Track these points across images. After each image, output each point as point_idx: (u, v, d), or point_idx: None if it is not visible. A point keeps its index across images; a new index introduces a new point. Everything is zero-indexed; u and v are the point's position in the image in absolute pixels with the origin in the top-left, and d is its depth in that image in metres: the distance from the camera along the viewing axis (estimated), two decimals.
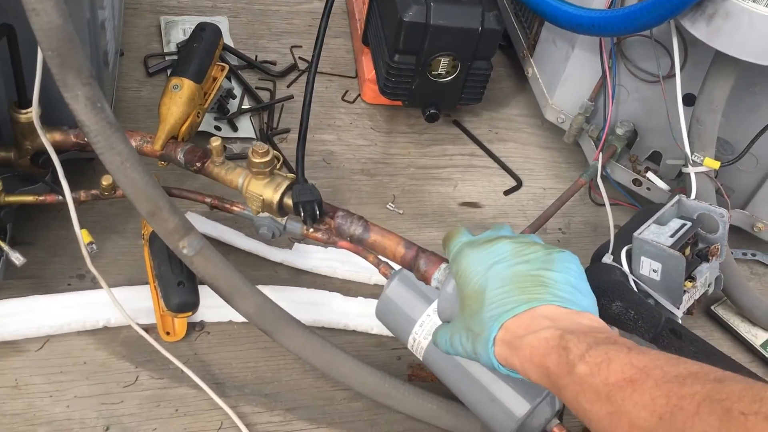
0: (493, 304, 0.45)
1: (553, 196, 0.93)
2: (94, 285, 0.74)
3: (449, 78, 0.88)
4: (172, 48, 1.01)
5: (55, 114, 0.66)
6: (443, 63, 0.87)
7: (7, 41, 0.63)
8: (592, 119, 0.89)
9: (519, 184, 0.96)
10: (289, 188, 0.68)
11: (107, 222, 0.80)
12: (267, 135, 0.94)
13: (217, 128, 0.92)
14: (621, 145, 0.85)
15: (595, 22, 0.75)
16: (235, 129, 0.93)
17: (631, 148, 0.89)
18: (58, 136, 0.71)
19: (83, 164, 0.81)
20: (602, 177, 0.84)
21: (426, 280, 0.58)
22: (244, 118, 0.95)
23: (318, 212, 0.65)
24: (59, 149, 0.67)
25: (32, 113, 0.67)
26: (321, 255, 0.80)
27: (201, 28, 0.79)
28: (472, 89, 0.91)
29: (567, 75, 0.88)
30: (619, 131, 0.85)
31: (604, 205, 0.79)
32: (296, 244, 0.81)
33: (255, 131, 0.94)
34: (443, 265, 0.58)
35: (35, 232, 0.77)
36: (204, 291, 0.68)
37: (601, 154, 0.84)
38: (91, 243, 0.67)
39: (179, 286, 0.67)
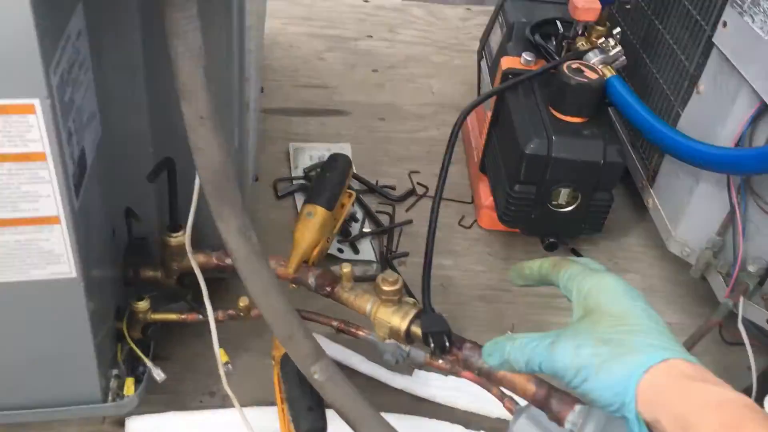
0: (642, 333, 0.42)
1: (680, 331, 0.90)
2: (224, 403, 0.77)
3: (569, 208, 0.89)
4: (300, 173, 1.07)
5: (200, 238, 0.71)
6: (564, 194, 0.88)
7: (167, 173, 0.69)
8: (721, 254, 0.87)
9: None
10: (416, 317, 0.69)
11: (237, 340, 0.83)
12: (387, 258, 0.96)
13: (340, 250, 0.96)
14: (753, 282, 0.82)
15: (724, 160, 0.75)
16: (356, 251, 0.96)
17: (763, 286, 0.85)
18: (201, 258, 0.75)
19: (217, 283, 0.86)
20: (733, 314, 0.80)
21: (559, 421, 0.57)
22: (365, 241, 0.98)
23: (447, 343, 0.65)
24: (201, 270, 0.72)
25: (182, 237, 0.73)
26: (442, 384, 0.79)
27: (334, 158, 0.84)
28: (592, 220, 0.91)
29: (692, 208, 0.87)
30: (751, 268, 0.82)
31: (736, 344, 0.76)
32: (416, 370, 0.81)
33: (375, 254, 0.97)
34: (578, 407, 0.56)
35: (171, 347, 0.81)
36: (329, 415, 0.69)
37: (732, 291, 0.82)
38: (227, 363, 0.70)
39: (309, 410, 0.68)
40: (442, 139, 1.19)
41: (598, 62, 0.87)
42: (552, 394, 0.59)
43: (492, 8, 1.61)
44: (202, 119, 0.55)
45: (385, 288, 0.68)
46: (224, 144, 0.57)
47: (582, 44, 0.90)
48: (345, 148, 1.13)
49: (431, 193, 1.07)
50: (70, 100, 0.52)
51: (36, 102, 0.47)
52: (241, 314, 0.76)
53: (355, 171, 1.10)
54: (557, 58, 0.91)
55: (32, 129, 0.48)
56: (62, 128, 0.50)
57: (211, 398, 0.78)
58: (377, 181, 1.08)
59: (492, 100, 0.96)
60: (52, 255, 0.56)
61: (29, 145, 0.49)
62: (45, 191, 0.52)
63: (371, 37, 1.43)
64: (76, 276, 0.58)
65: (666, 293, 0.97)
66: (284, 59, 1.33)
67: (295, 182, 1.05)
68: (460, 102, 1.27)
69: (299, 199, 1.03)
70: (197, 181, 0.65)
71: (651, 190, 0.98)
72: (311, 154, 1.11)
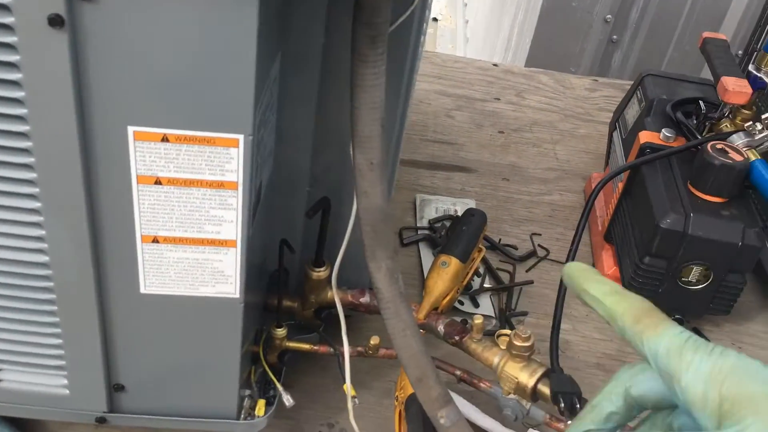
0: None
1: None
2: None
3: (700, 287, 0.88)
4: (425, 223, 1.11)
5: (338, 275, 0.75)
6: (695, 272, 0.87)
7: (321, 211, 0.74)
8: None
9: None
10: (544, 375, 0.70)
11: (357, 376, 0.85)
12: (505, 315, 0.98)
13: (460, 302, 0.98)
14: None
15: None
16: (476, 305, 0.98)
17: None
18: (339, 295, 0.80)
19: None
20: None
21: None
22: (484, 296, 1.00)
23: (578, 405, 0.66)
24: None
25: (324, 273, 0.77)
26: None
27: (470, 213, 0.88)
28: (721, 301, 0.90)
29: None
30: None
31: None
32: (531, 430, 0.82)
33: (494, 310, 0.98)
34: None
35: (295, 375, 0.85)
36: None
37: None
38: (354, 397, 0.73)
39: None
40: (564, 204, 1.20)
41: (742, 145, 0.87)
42: None
43: (617, 81, 1.63)
44: (372, 165, 0.60)
45: (518, 343, 0.70)
46: (386, 191, 0.61)
47: (726, 126, 0.90)
48: (470, 204, 1.16)
49: (552, 256, 1.08)
50: (262, 138, 0.58)
51: (241, 138, 0.52)
52: (369, 352, 0.79)
53: None
54: (699, 137, 0.92)
55: (232, 161, 0.54)
56: (254, 162, 0.56)
57: (329, 429, 0.81)
58: (500, 240, 1.10)
59: (625, 173, 0.97)
60: (223, 275, 0.61)
61: (226, 174, 0.54)
62: (230, 217, 0.57)
63: (498, 99, 1.47)
64: (238, 297, 0.63)
65: None
66: (415, 114, 1.39)
67: (420, 232, 1.09)
68: (584, 170, 1.28)
69: (423, 248, 1.07)
70: (351, 222, 0.69)
71: None
72: (437, 206, 1.15)
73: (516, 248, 1.09)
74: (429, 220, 1.11)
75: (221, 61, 0.49)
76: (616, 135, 1.11)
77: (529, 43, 2.00)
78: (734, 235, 0.84)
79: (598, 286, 0.38)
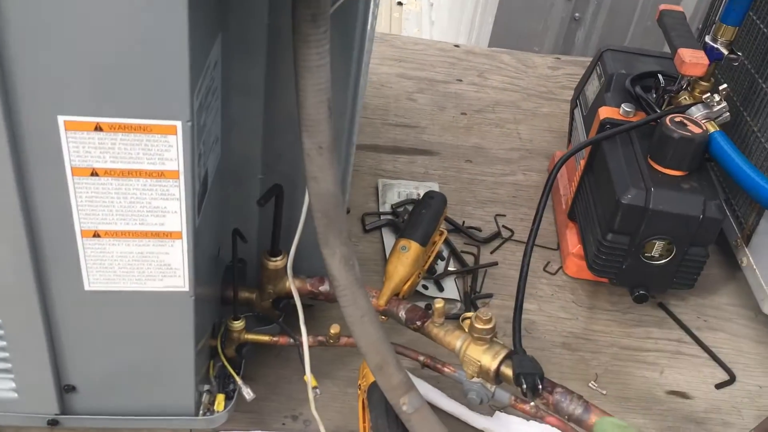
0: None
1: None
2: (306, 427, 0.78)
3: (663, 261, 0.88)
4: (387, 208, 1.09)
5: (295, 265, 0.73)
6: (658, 246, 0.87)
7: (274, 198, 0.72)
8: None
9: (732, 379, 0.90)
10: (507, 357, 0.69)
11: (321, 366, 0.84)
12: (471, 298, 0.97)
13: (425, 287, 0.97)
14: None
15: None
16: (441, 289, 0.97)
17: None
18: (297, 284, 0.78)
19: (305, 309, 0.87)
20: None
21: None
22: (449, 280, 0.99)
23: (540, 386, 0.65)
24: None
25: (282, 262, 0.75)
26: (523, 428, 0.79)
27: (430, 196, 0.86)
28: (685, 274, 0.89)
29: None
30: None
31: None
32: (498, 412, 0.81)
33: (459, 293, 0.97)
34: None
35: (256, 368, 0.83)
36: None
37: None
38: (315, 387, 0.71)
39: None
40: (528, 184, 1.20)
41: (701, 117, 0.87)
42: None
43: (581, 59, 1.62)
44: (320, 149, 0.58)
45: (479, 326, 0.69)
46: (338, 175, 0.59)
47: (685, 98, 0.90)
48: (433, 187, 1.15)
49: (516, 236, 1.07)
50: (204, 124, 0.56)
51: (179, 124, 0.50)
52: (331, 341, 0.77)
53: None
54: (658, 111, 0.91)
55: (171, 149, 0.51)
56: (195, 150, 0.53)
57: (293, 421, 0.79)
58: (463, 222, 1.09)
59: (586, 149, 0.96)
60: (170, 268, 0.59)
61: (166, 163, 0.52)
62: (173, 207, 0.55)
63: (461, 81, 1.45)
64: (188, 290, 0.61)
65: (758, 355, 0.94)
66: (375, 98, 1.37)
67: (382, 217, 1.07)
68: (547, 148, 1.27)
69: (386, 233, 1.05)
70: (304, 209, 0.67)
71: (746, 249, 0.95)
72: (399, 190, 1.13)
73: (480, 230, 1.08)
74: (391, 205, 1.09)
75: (152, 45, 0.47)
76: (577, 112, 1.10)
77: (492, 24, 1.99)
78: (695, 209, 0.83)
79: None
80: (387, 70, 1.45)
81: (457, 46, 1.58)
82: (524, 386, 0.65)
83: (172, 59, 0.47)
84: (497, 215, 1.11)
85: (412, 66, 1.47)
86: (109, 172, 0.52)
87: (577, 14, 2.01)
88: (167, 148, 0.51)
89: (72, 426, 0.69)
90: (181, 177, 0.53)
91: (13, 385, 0.65)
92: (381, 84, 1.41)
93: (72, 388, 0.66)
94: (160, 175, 0.53)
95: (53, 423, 0.68)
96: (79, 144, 0.51)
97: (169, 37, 0.46)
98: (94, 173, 0.52)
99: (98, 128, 0.50)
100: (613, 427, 0.34)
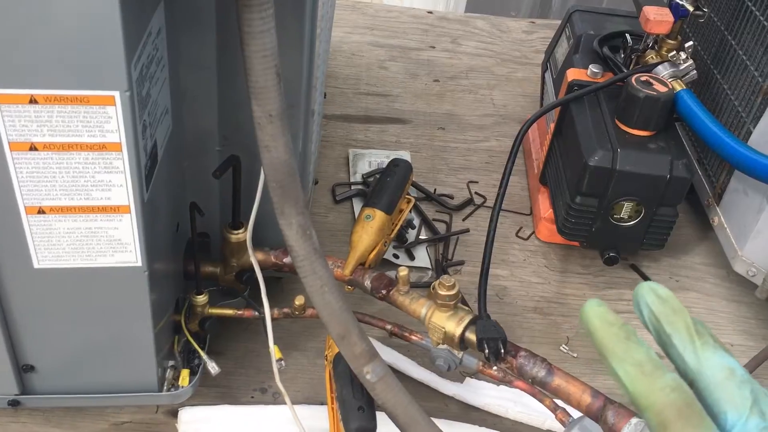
0: None
1: (741, 353, 0.87)
2: (275, 400, 0.77)
3: (632, 222, 0.87)
4: (358, 178, 1.08)
5: (260, 237, 0.72)
6: (627, 208, 0.86)
7: (232, 170, 0.70)
8: None
9: None
10: (472, 323, 0.69)
11: (289, 339, 0.84)
12: (442, 266, 0.96)
13: (396, 256, 0.96)
14: None
15: None
16: (412, 258, 0.96)
17: None
18: (260, 256, 0.77)
19: (272, 282, 0.87)
20: None
21: None
22: (420, 248, 0.98)
23: (502, 350, 0.65)
24: (259, 268, 0.73)
25: (243, 235, 0.74)
26: (493, 393, 0.79)
27: (395, 163, 0.85)
28: (655, 235, 0.89)
29: (760, 227, 0.85)
30: None
31: None
32: (468, 378, 0.81)
33: (431, 261, 0.97)
34: (634, 420, 0.55)
35: (225, 342, 0.83)
36: (380, 418, 0.69)
37: None
38: (280, 360, 0.71)
39: (359, 410, 0.68)
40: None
41: (667, 76, 0.85)
42: (608, 407, 0.58)
43: (556, 22, 1.60)
44: (270, 117, 0.56)
45: (442, 292, 0.68)
46: (290, 143, 0.58)
47: (652, 57, 0.88)
48: (404, 156, 1.13)
49: (489, 203, 1.07)
50: (147, 94, 0.54)
51: (116, 94, 0.49)
52: (296, 313, 0.76)
53: (413, 179, 1.10)
54: (625, 71, 0.90)
55: (111, 120, 0.50)
56: (138, 121, 0.52)
57: (263, 394, 0.79)
58: (435, 190, 1.08)
59: (556, 112, 0.95)
60: (120, 243, 0.58)
61: (107, 135, 0.51)
62: (118, 181, 0.54)
63: (434, 47, 1.43)
64: (141, 265, 0.59)
65: (729, 314, 0.94)
66: (347, 67, 1.35)
67: (353, 187, 1.06)
68: (521, 114, 1.26)
69: (357, 203, 1.04)
70: (261, 179, 0.66)
71: (717, 208, 0.95)
72: (370, 160, 1.12)
73: (452, 197, 1.07)
74: (362, 175, 1.08)
75: (84, 13, 0.45)
76: (547, 75, 1.09)
77: None
78: (662, 168, 0.83)
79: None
80: (358, 39, 1.43)
81: (430, 12, 1.55)
82: (486, 351, 0.65)
83: (105, 27, 0.46)
84: (470, 182, 1.11)
85: (384, 34, 1.45)
86: (48, 146, 0.51)
87: None
88: (106, 119, 0.50)
89: (35, 406, 0.69)
90: (124, 149, 0.52)
91: None
92: (352, 53, 1.39)
93: (31, 368, 0.65)
94: (102, 147, 0.51)
95: (14, 403, 0.67)
96: (15, 118, 0.49)
97: (100, 3, 0.45)
98: (33, 147, 0.51)
99: (33, 101, 0.49)
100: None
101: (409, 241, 0.98)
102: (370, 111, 1.24)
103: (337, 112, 1.22)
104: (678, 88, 0.85)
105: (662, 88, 0.83)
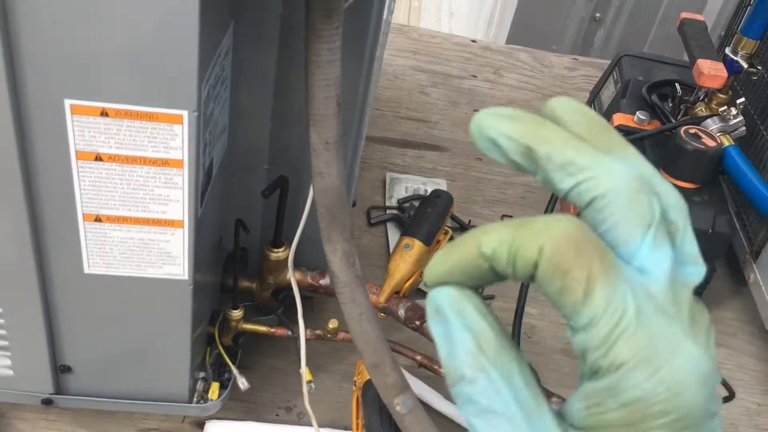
0: None
1: None
2: (299, 419, 0.78)
3: None
4: (394, 202, 1.09)
5: (297, 257, 0.73)
6: None
7: (279, 190, 0.71)
8: None
9: (731, 395, 0.89)
10: None
11: (317, 359, 0.84)
12: None
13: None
14: None
15: None
16: None
17: None
18: (298, 276, 0.77)
19: (304, 301, 0.87)
20: None
21: None
22: None
23: None
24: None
25: (283, 253, 0.75)
26: None
27: (436, 194, 0.86)
28: None
29: None
30: None
31: None
32: None
33: None
34: None
35: (253, 357, 0.83)
36: None
37: None
38: (310, 381, 0.71)
39: None
40: (537, 186, 1.18)
41: (716, 130, 0.85)
42: None
43: (598, 60, 1.60)
44: (327, 144, 0.57)
45: None
46: (342, 170, 0.59)
47: (701, 110, 0.88)
48: (441, 184, 1.14)
49: None
50: (211, 113, 0.55)
51: (185, 113, 0.50)
52: (328, 335, 0.77)
53: None
54: (673, 121, 0.90)
55: (176, 138, 0.51)
56: (201, 140, 0.53)
57: (287, 413, 0.79)
58: (469, 221, 1.08)
59: None
60: (170, 256, 0.58)
61: (170, 152, 0.52)
62: (176, 196, 0.54)
63: (475, 77, 1.44)
64: (187, 279, 0.60)
65: (759, 373, 0.93)
66: (388, 89, 1.36)
67: (388, 211, 1.07)
68: None
69: (391, 228, 1.05)
70: (309, 202, 0.67)
71: (754, 265, 0.94)
72: (407, 185, 1.12)
73: None
74: (398, 200, 1.09)
75: (161, 31, 0.46)
76: None
77: (511, 19, 1.97)
78: (705, 222, 0.82)
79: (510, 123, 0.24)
80: (402, 62, 1.44)
81: (474, 41, 1.56)
82: None
83: (182, 47, 0.47)
84: (504, 216, 1.11)
85: (427, 59, 1.46)
86: (113, 158, 0.52)
87: (597, 14, 2.00)
88: (172, 137, 0.51)
89: (66, 406, 0.70)
90: (185, 166, 0.53)
91: (9, 362, 0.65)
92: (395, 76, 1.40)
93: (68, 369, 0.66)
94: (164, 163, 0.52)
95: (47, 402, 0.68)
96: (84, 128, 0.50)
97: (179, 24, 0.46)
98: (98, 158, 0.52)
99: (104, 113, 0.50)
100: (491, 117, 0.24)
101: None
102: (409, 136, 1.25)
103: (376, 135, 1.23)
104: (726, 143, 0.85)
105: (711, 143, 0.83)
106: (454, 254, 0.24)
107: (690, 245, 0.25)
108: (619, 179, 0.23)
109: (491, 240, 0.23)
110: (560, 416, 0.25)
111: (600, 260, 0.22)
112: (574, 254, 0.22)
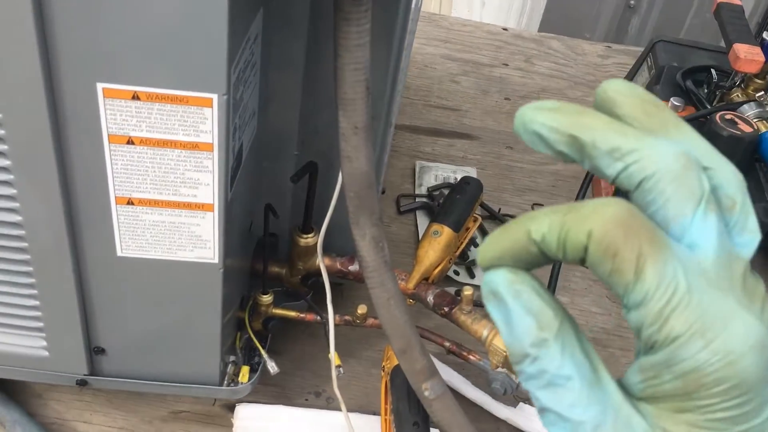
0: None
1: None
2: (328, 404, 0.78)
3: None
4: (423, 191, 1.09)
5: (327, 243, 0.73)
6: None
7: (308, 176, 0.71)
8: None
9: None
10: None
11: (346, 345, 0.85)
12: None
13: (456, 272, 0.96)
14: None
15: None
16: (472, 276, 0.96)
17: None
18: (327, 262, 0.78)
19: (334, 288, 0.87)
20: None
21: None
22: None
23: None
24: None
25: (313, 239, 0.75)
26: None
27: (466, 181, 0.85)
28: None
29: None
30: None
31: None
32: (521, 403, 0.80)
33: None
34: None
35: (283, 342, 0.84)
36: None
37: None
38: (339, 366, 0.72)
39: (414, 426, 0.68)
40: (569, 174, 1.17)
41: (753, 116, 0.84)
42: None
43: (633, 48, 1.57)
44: (356, 129, 0.57)
45: None
46: (372, 155, 0.59)
47: (737, 95, 0.87)
48: (471, 172, 1.13)
49: None
50: (241, 97, 0.55)
51: (215, 97, 0.50)
52: (357, 321, 0.77)
53: None
54: (708, 107, 0.88)
55: (206, 121, 0.51)
56: (231, 123, 0.53)
57: (316, 398, 0.80)
58: (500, 209, 1.08)
59: None
60: (200, 240, 0.59)
61: (201, 135, 0.52)
62: (206, 180, 0.55)
63: (507, 65, 1.43)
64: (217, 262, 0.61)
65: None
66: (418, 78, 1.35)
67: (418, 200, 1.07)
68: None
69: (420, 216, 1.04)
70: (338, 188, 0.67)
71: None
72: (437, 174, 1.12)
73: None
74: (428, 188, 1.08)
75: (191, 16, 0.47)
76: None
77: (544, 7, 1.95)
78: None
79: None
80: (432, 51, 1.43)
81: (505, 29, 1.55)
82: None
83: (211, 31, 0.47)
84: (534, 204, 1.10)
85: (457, 48, 1.45)
86: (144, 141, 0.53)
87: (632, 2, 1.96)
88: (202, 120, 0.51)
89: (100, 387, 0.71)
90: (215, 150, 0.53)
91: (45, 343, 0.67)
92: (425, 65, 1.40)
93: (101, 351, 0.67)
94: (195, 147, 0.53)
95: (82, 383, 0.69)
96: (117, 112, 0.51)
97: (209, 7, 0.46)
98: (130, 141, 0.53)
99: (136, 97, 0.50)
100: (535, 111, 0.25)
101: (470, 259, 0.98)
102: (439, 124, 1.24)
103: (407, 123, 1.23)
104: (763, 129, 0.83)
105: (747, 128, 0.81)
106: (505, 239, 0.25)
107: (747, 218, 0.25)
108: (665, 158, 0.23)
109: (541, 226, 0.24)
110: (621, 385, 0.26)
111: (649, 240, 0.22)
112: (623, 236, 0.22)
